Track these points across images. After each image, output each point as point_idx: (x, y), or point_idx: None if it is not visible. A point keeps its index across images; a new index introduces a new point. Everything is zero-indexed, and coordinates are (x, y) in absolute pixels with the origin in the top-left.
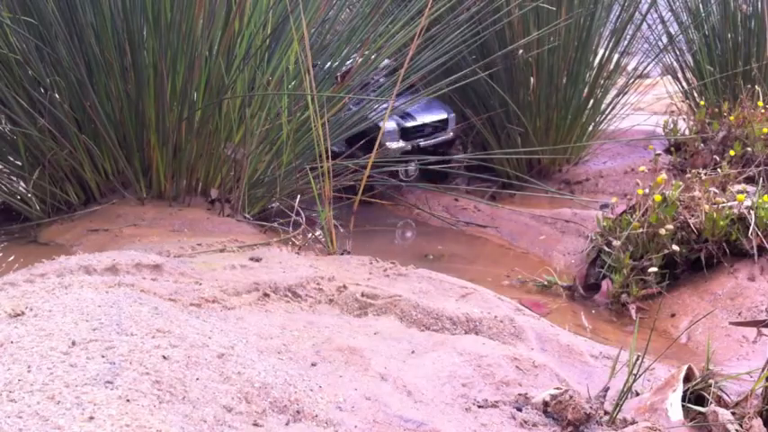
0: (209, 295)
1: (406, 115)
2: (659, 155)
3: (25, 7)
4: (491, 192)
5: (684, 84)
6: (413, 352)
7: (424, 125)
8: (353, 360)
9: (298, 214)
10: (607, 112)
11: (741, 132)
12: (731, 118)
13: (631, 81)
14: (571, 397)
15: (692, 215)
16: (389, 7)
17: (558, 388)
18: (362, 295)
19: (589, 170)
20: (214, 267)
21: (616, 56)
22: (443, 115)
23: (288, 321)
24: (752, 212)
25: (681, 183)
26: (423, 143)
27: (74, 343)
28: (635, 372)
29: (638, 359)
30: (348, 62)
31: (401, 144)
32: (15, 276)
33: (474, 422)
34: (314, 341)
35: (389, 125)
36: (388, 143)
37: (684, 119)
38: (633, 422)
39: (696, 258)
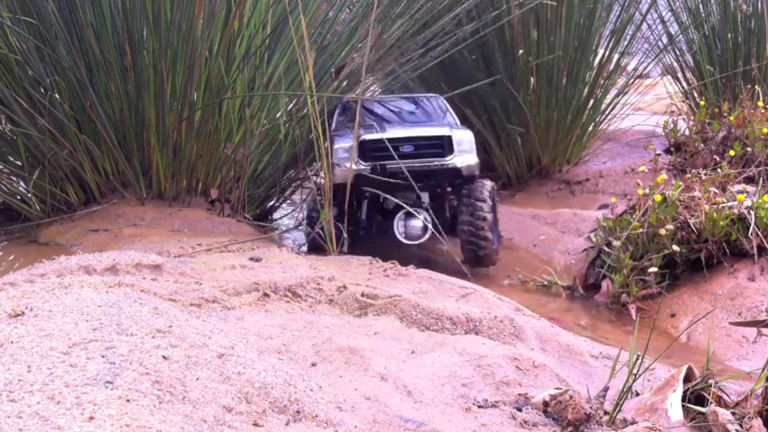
0: (209, 295)
1: (376, 126)
2: (659, 155)
3: (25, 7)
4: None
5: (684, 84)
6: (413, 352)
7: (399, 140)
8: (353, 360)
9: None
10: (607, 112)
11: (741, 132)
12: (731, 118)
13: (631, 81)
14: (571, 397)
15: (692, 215)
16: (389, 7)
17: (558, 388)
18: (362, 295)
19: (589, 170)
20: (214, 267)
21: (616, 56)
22: (442, 131)
23: (288, 321)
24: (752, 212)
25: (681, 183)
26: (392, 166)
27: (74, 343)
28: (635, 372)
29: (637, 359)
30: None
31: (359, 166)
32: (15, 276)
33: (474, 422)
34: (314, 341)
35: (342, 143)
36: (336, 165)
37: (684, 119)
38: (633, 422)
39: (696, 258)
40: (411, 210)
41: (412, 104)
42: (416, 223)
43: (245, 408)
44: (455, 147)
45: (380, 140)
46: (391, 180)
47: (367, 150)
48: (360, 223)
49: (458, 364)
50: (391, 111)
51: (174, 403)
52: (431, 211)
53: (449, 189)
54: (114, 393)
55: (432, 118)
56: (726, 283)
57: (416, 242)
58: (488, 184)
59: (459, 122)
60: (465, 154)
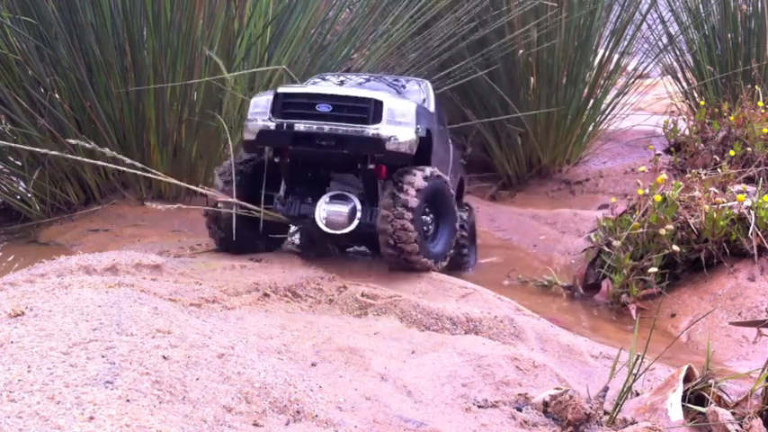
0: (209, 295)
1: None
2: (659, 155)
3: (25, 7)
4: (491, 192)
5: (684, 84)
6: (413, 352)
7: (316, 96)
8: (353, 360)
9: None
10: (607, 112)
11: (741, 132)
12: (731, 118)
13: (631, 81)
14: (571, 397)
15: (692, 215)
16: (389, 7)
17: (558, 388)
18: (362, 295)
19: (589, 170)
20: (214, 267)
21: (616, 56)
22: (370, 94)
23: (288, 321)
24: (752, 212)
25: (681, 183)
26: (300, 126)
27: (74, 343)
28: (635, 372)
29: (637, 359)
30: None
31: (266, 124)
32: (15, 276)
33: (474, 422)
34: (314, 341)
35: (260, 97)
36: (249, 120)
37: (684, 119)
38: (633, 422)
39: (696, 258)
40: (340, 192)
41: (385, 83)
42: (340, 209)
43: (245, 408)
44: (384, 115)
45: (295, 95)
46: (298, 144)
47: (280, 106)
48: (277, 203)
49: (458, 365)
50: (353, 81)
51: (174, 403)
52: (354, 195)
53: (371, 167)
54: (114, 393)
55: (390, 92)
56: (726, 283)
57: (339, 232)
58: (427, 170)
59: (432, 110)
60: (396, 126)
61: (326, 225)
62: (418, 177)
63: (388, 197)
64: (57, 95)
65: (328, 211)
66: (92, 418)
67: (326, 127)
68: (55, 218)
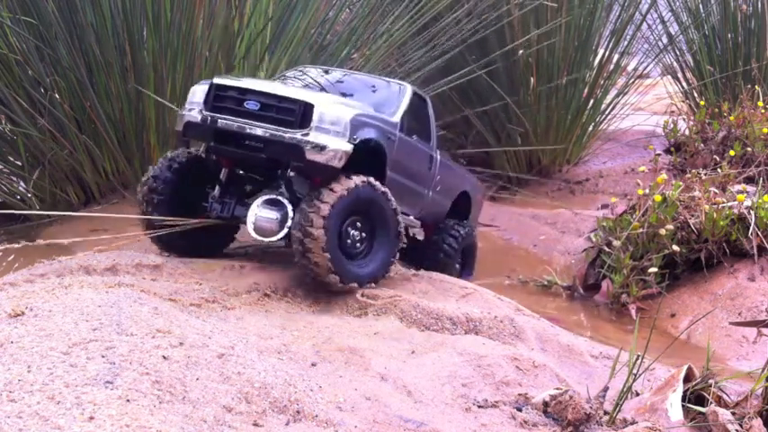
0: (209, 295)
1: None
2: (659, 155)
3: (25, 7)
4: (491, 192)
5: (684, 84)
6: (413, 352)
7: (246, 92)
8: (353, 360)
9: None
10: (607, 112)
11: (741, 132)
12: (731, 118)
13: (631, 81)
14: (571, 397)
15: (692, 215)
16: (389, 7)
17: (558, 388)
18: (362, 295)
19: (589, 170)
20: (214, 267)
21: (616, 56)
22: (299, 94)
23: (288, 321)
24: (752, 212)
25: (681, 183)
26: (223, 123)
27: (74, 343)
28: (635, 372)
29: (637, 359)
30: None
31: (194, 117)
32: (15, 276)
33: (474, 422)
34: (314, 341)
35: (199, 86)
36: (184, 113)
37: (684, 119)
38: (633, 422)
39: (696, 258)
40: (274, 197)
41: (362, 83)
42: (270, 215)
43: (245, 408)
44: (315, 120)
45: (228, 87)
46: (219, 141)
47: (212, 97)
48: (212, 202)
49: (458, 365)
50: (334, 75)
51: (174, 403)
52: (287, 202)
53: (292, 174)
54: (114, 393)
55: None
56: (726, 283)
57: (269, 239)
58: (358, 179)
59: (396, 120)
60: (325, 134)
61: (255, 231)
62: (340, 186)
63: (305, 205)
64: (57, 95)
65: (258, 217)
66: (92, 418)
67: (249, 127)
68: (55, 218)
